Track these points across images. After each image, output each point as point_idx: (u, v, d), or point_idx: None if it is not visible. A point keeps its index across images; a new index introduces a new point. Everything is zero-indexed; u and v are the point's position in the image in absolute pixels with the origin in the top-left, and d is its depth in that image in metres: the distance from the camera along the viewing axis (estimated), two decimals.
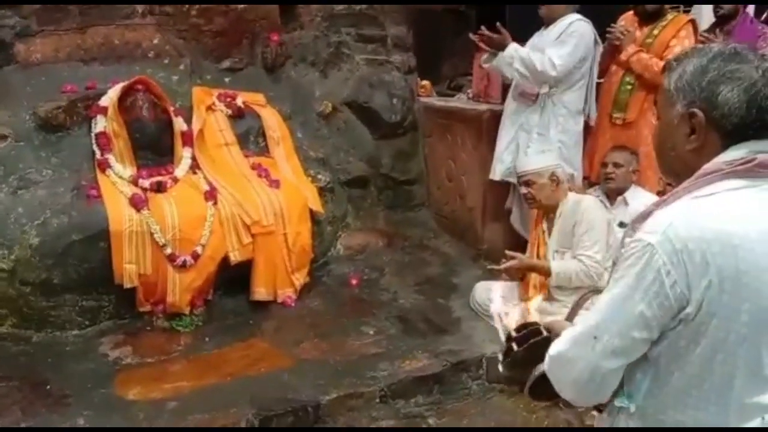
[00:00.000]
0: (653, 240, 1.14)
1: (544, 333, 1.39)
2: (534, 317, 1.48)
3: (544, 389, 1.35)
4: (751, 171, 1.16)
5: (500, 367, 1.47)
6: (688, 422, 1.20)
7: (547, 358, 1.31)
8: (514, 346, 1.41)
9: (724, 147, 1.19)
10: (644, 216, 1.23)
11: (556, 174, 3.33)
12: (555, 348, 1.29)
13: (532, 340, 1.39)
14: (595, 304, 1.24)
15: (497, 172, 4.08)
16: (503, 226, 4.31)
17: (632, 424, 1.26)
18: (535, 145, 3.79)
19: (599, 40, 3.90)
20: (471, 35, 3.91)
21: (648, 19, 3.97)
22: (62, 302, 3.31)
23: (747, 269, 1.11)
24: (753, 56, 1.20)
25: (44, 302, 3.28)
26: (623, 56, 3.90)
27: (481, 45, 3.86)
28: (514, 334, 1.43)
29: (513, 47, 3.74)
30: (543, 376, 1.34)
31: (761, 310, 1.13)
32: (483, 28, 3.84)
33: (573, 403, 1.36)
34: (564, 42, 3.73)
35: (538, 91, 3.84)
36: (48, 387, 2.91)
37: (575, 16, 3.81)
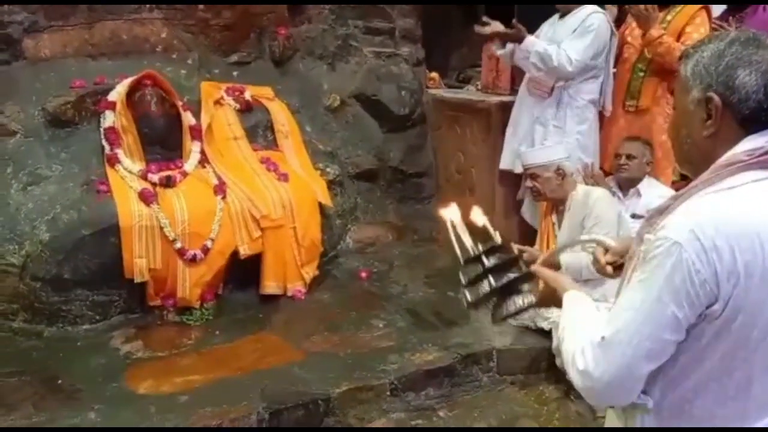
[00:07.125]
0: (680, 239, 1.10)
1: (522, 268, 1.44)
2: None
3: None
4: None
5: (468, 295, 1.48)
6: (706, 417, 1.18)
7: (568, 358, 1.23)
8: (491, 281, 1.44)
9: (742, 134, 1.16)
10: (661, 211, 1.19)
11: (562, 167, 3.30)
12: (580, 357, 1.19)
13: (510, 278, 1.43)
14: (622, 305, 1.18)
15: (508, 162, 4.08)
16: (512, 217, 4.29)
17: (648, 421, 1.22)
18: (551, 137, 3.78)
19: (615, 31, 3.86)
20: (476, 27, 3.89)
21: (663, 3, 3.90)
22: (73, 297, 3.32)
23: None
24: None
25: (55, 297, 3.29)
26: (647, 37, 3.79)
27: (489, 34, 3.85)
28: (486, 263, 1.48)
29: (530, 41, 3.72)
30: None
31: None
32: (486, 18, 3.83)
33: (597, 403, 1.33)
34: (581, 36, 3.69)
35: (553, 84, 3.81)
36: (59, 381, 2.92)
37: (592, 8, 3.76)
